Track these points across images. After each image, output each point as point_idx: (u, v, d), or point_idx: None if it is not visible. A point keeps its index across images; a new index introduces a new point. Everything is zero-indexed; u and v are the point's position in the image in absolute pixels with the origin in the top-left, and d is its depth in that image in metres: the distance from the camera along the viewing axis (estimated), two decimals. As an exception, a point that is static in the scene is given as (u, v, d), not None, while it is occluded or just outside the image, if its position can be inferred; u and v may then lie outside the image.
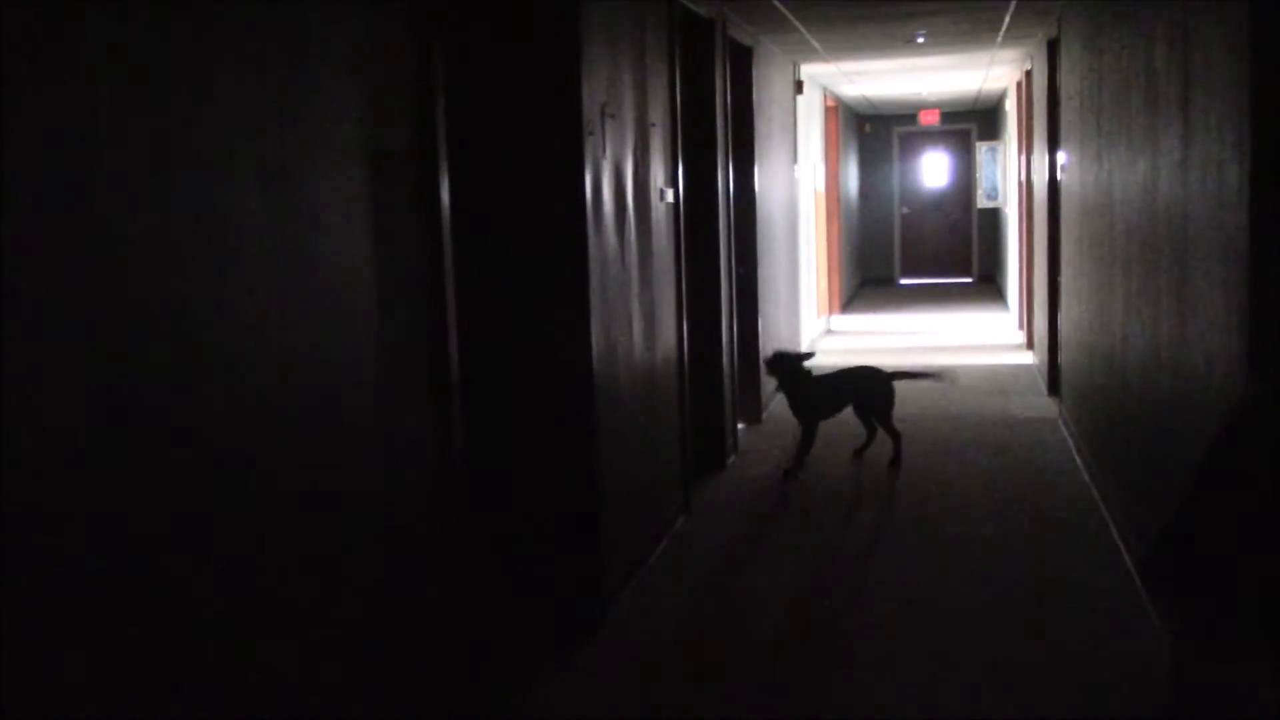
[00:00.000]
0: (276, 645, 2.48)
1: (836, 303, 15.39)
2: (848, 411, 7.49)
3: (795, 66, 11.11)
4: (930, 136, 20.18)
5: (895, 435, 7.30)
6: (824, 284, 14.05)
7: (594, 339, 4.60)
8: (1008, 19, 8.70)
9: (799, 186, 11.34)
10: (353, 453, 2.81)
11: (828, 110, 14.52)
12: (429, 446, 3.22)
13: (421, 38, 3.13)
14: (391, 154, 3.00)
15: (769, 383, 9.05)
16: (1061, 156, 8.75)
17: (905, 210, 20.49)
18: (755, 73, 8.67)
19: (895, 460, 7.27)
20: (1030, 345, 11.47)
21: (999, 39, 9.90)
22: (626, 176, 5.17)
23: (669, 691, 4.19)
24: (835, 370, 7.75)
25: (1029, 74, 11.41)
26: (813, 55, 10.63)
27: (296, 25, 2.58)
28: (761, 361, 7.97)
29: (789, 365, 7.29)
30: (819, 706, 4.04)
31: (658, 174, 5.73)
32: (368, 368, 2.87)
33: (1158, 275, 4.74)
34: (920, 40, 9.88)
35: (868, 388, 7.38)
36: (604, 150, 4.80)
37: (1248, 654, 1.21)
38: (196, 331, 2.23)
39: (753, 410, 8.62)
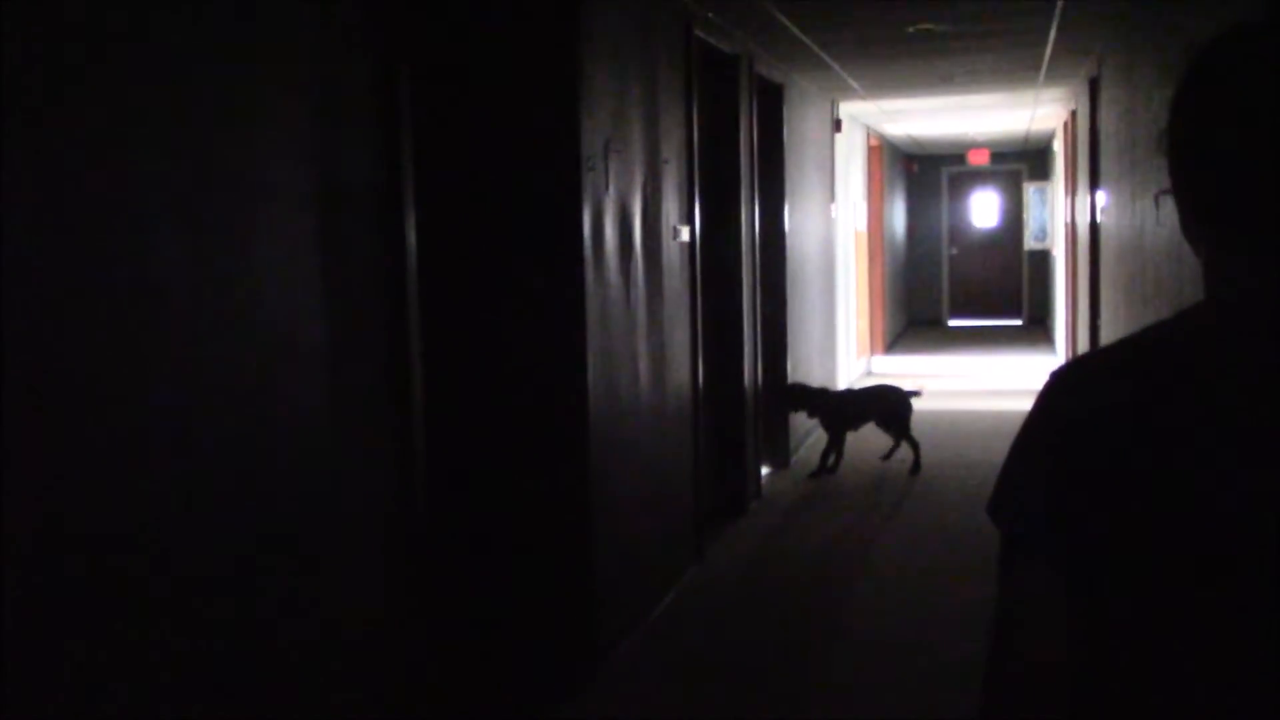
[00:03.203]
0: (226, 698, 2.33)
1: (880, 343, 15.13)
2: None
3: (834, 105, 10.94)
4: (980, 176, 19.91)
5: (914, 444, 8.15)
6: (865, 324, 13.82)
7: (590, 381, 4.44)
8: (1047, 56, 8.49)
9: (836, 226, 11.14)
10: (303, 503, 2.66)
11: (871, 149, 14.32)
12: (385, 492, 3.06)
13: (385, 63, 2.99)
14: (348, 190, 2.86)
15: (799, 425, 8.87)
16: (1101, 198, 8.51)
17: (954, 251, 20.20)
18: (787, 110, 8.51)
19: (914, 468, 8.12)
20: (1074, 391, 11.15)
21: (1040, 78, 9.68)
22: (634, 214, 5.01)
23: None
24: (858, 389, 8.83)
25: (1074, 114, 11.17)
26: (850, 93, 10.45)
27: (237, 47, 2.44)
28: (777, 394, 8.21)
29: (803, 391, 8.20)
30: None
31: (671, 212, 5.57)
32: (317, 418, 2.72)
33: (1184, 324, 4.51)
34: (958, 79, 9.69)
35: (882, 401, 8.30)
36: (607, 187, 4.65)
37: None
38: (123, 377, 2.09)
39: (780, 454, 8.40)
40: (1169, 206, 1.40)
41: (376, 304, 2.99)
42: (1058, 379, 1.35)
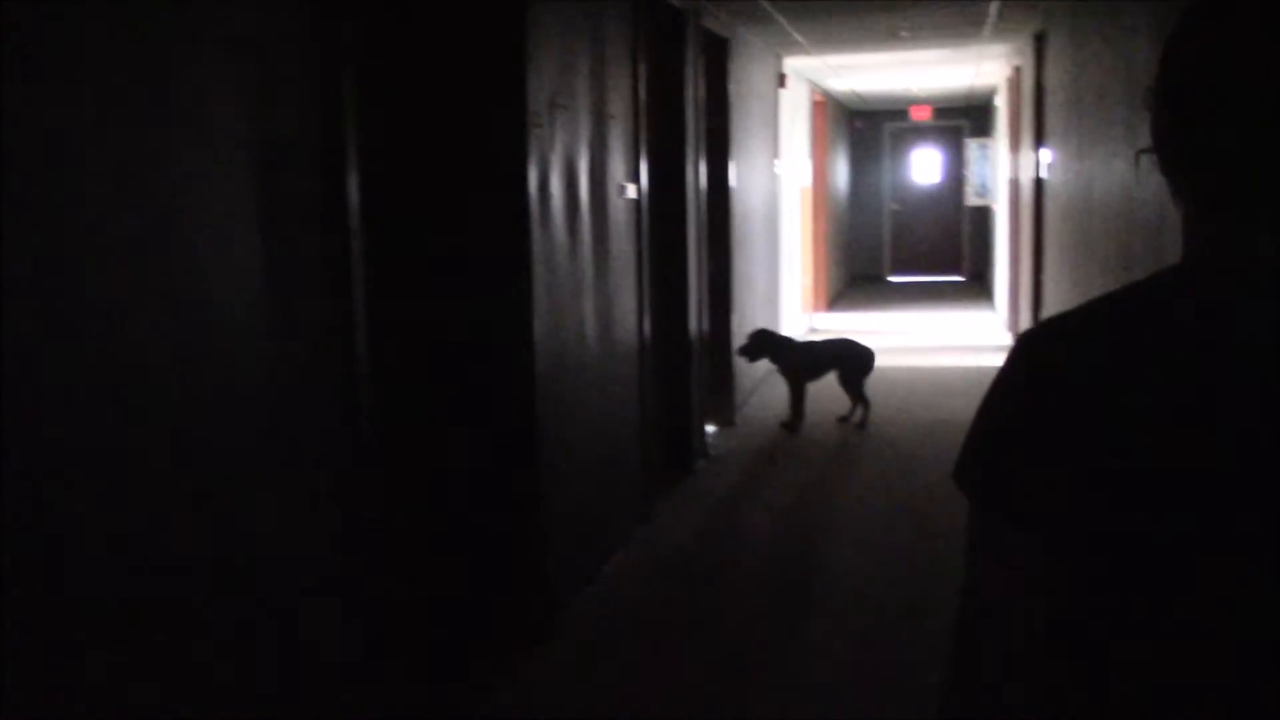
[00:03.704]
0: (172, 669, 2.24)
1: (822, 300, 15.14)
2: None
3: (778, 59, 10.86)
4: (922, 133, 19.94)
5: (865, 402, 8.23)
6: (808, 281, 13.81)
7: (538, 341, 4.36)
8: (993, 11, 8.46)
9: (781, 182, 11.09)
10: (241, 463, 2.57)
11: (815, 105, 14.26)
12: (334, 459, 2.98)
13: (327, 15, 2.88)
14: (286, 145, 2.75)
15: (744, 381, 8.86)
16: (1046, 154, 8.52)
17: (896, 207, 20.24)
18: (732, 65, 8.42)
19: (862, 424, 8.19)
20: (1016, 347, 11.20)
21: (986, 32, 9.66)
22: (580, 171, 4.92)
23: (614, 708, 3.96)
24: (819, 341, 8.88)
25: (1018, 70, 11.17)
26: (796, 48, 10.38)
27: None
28: (737, 350, 8.26)
29: (771, 338, 8.25)
30: (765, 736, 3.81)
31: (617, 169, 5.49)
32: (257, 377, 2.63)
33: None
34: (904, 34, 9.64)
35: (846, 355, 8.31)
36: (553, 144, 4.55)
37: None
38: (50, 339, 1.99)
39: (725, 412, 8.38)
40: (1148, 166, 1.36)
41: (319, 262, 2.89)
42: (1030, 339, 1.31)
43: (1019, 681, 1.26)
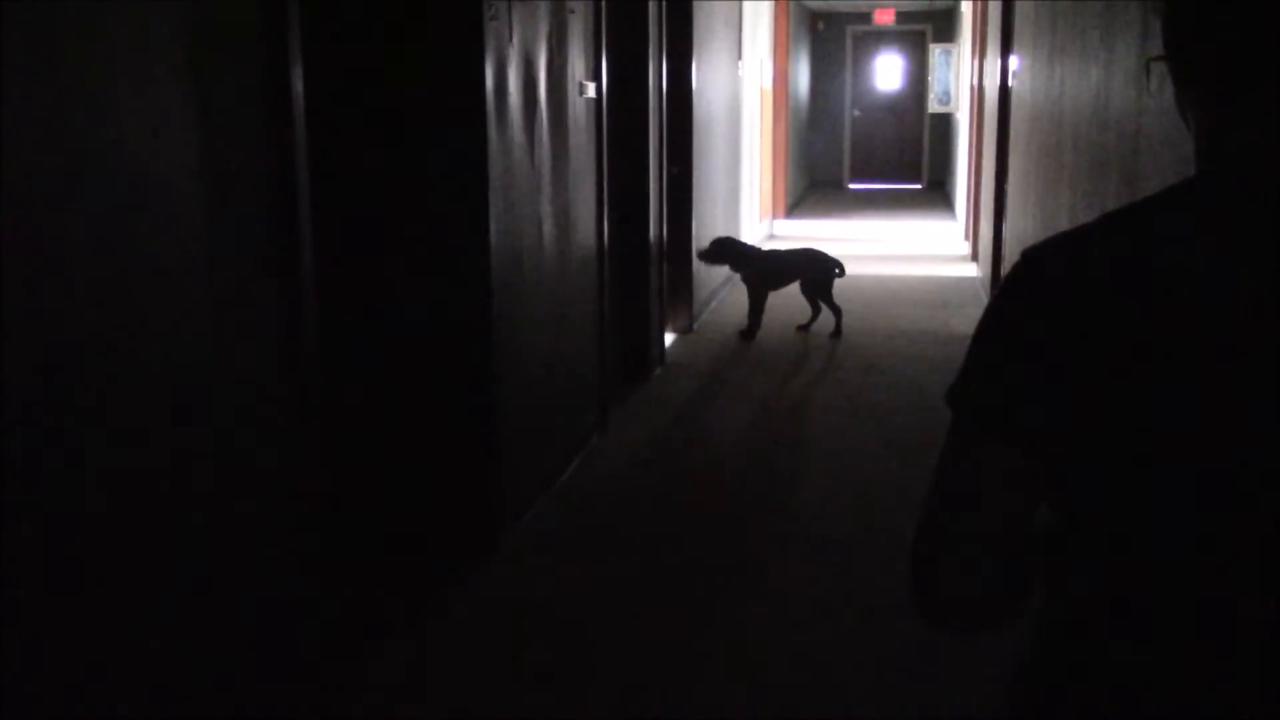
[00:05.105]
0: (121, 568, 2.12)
1: (781, 206, 14.99)
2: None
3: (743, -44, 10.58)
4: (885, 37, 19.66)
5: (837, 310, 8.15)
6: (768, 186, 13.64)
7: (493, 244, 4.20)
8: (964, -88, 8.24)
9: (743, 85, 10.87)
10: (182, 369, 2.43)
11: (777, 4, 13.98)
12: (280, 357, 2.83)
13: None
14: (225, 29, 2.56)
15: (703, 289, 8.74)
16: (1014, 61, 8.36)
17: (857, 113, 20.02)
18: (696, -39, 8.16)
19: (836, 331, 8.11)
20: (975, 257, 11.15)
21: (955, -66, 9.43)
22: (539, 67, 4.73)
23: (556, 631, 3.87)
24: (783, 250, 8.59)
25: (986, -27, 10.96)
26: (761, -55, 10.10)
27: None
28: (697, 253, 8.15)
29: (733, 246, 8.17)
30: (719, 643, 3.74)
31: (577, 66, 5.28)
32: (192, 276, 2.47)
33: (1105, 193, 4.39)
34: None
35: (812, 265, 8.21)
36: (510, 37, 4.35)
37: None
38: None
39: (684, 320, 8.26)
40: (1160, 74, 1.26)
41: (261, 157, 2.72)
42: (1036, 255, 1.22)
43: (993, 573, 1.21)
